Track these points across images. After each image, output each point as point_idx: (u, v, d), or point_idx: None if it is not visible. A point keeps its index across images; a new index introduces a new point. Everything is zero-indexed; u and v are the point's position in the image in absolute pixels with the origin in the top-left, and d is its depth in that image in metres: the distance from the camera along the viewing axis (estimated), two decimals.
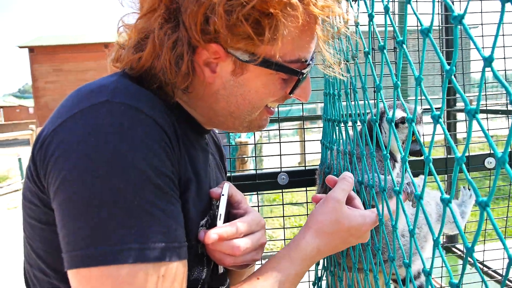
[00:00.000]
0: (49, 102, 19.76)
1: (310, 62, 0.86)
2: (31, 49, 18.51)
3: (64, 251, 0.68)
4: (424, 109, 1.90)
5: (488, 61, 0.60)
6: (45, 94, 19.80)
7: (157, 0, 0.77)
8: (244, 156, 4.02)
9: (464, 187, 1.59)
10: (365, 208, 1.01)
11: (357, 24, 0.96)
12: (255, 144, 2.31)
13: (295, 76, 0.85)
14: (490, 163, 1.67)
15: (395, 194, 0.84)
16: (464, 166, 0.65)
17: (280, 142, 1.84)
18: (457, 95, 3.32)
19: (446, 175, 1.77)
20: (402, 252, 0.84)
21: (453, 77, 0.66)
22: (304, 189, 1.69)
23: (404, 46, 0.74)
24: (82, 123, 0.70)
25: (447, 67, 0.68)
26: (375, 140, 0.97)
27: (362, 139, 1.00)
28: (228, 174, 1.62)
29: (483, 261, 2.59)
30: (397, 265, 0.91)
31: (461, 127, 3.27)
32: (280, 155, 1.79)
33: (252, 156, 3.83)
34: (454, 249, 3.52)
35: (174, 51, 0.77)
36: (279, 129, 1.89)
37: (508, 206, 1.96)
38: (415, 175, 1.61)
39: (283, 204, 1.72)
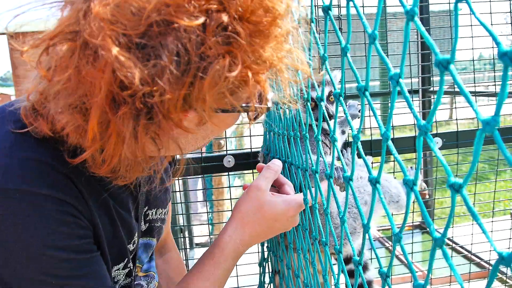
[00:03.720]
0: None
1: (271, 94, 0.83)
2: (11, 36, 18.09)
3: None
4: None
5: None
6: (27, 82, 19.54)
7: (115, 92, 0.63)
8: (220, 138, 4.01)
9: (411, 167, 1.59)
10: (301, 191, 1.01)
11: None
12: None
13: (265, 111, 0.83)
14: (437, 143, 1.68)
15: (326, 177, 0.83)
16: (391, 143, 0.63)
17: (250, 123, 1.84)
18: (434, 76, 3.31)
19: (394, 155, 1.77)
20: (333, 235, 0.84)
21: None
22: (251, 171, 1.69)
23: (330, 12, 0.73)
24: None
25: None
26: (307, 122, 0.96)
27: (296, 121, 1.00)
28: None
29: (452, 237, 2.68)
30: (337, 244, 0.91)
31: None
32: (250, 136, 1.81)
33: (222, 138, 3.83)
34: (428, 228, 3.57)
35: (148, 136, 0.70)
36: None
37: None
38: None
39: (229, 187, 1.73)
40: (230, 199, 1.73)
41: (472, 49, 2.18)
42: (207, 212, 2.12)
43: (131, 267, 0.97)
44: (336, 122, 0.76)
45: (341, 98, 0.71)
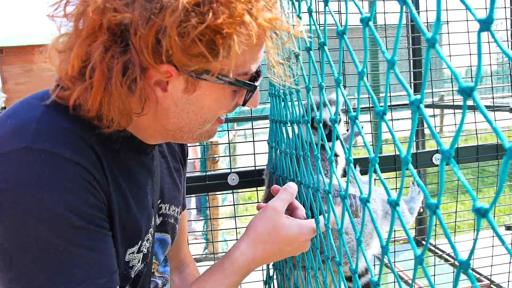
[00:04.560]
0: None
1: (260, 72, 0.87)
2: (0, 50, 17.99)
3: None
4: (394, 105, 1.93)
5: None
6: (16, 96, 19.34)
7: (97, 25, 0.73)
8: (215, 156, 4.02)
9: (413, 183, 1.61)
10: (311, 210, 1.02)
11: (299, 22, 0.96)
12: (229, 143, 2.28)
13: (249, 88, 0.85)
14: (438, 159, 1.70)
15: (341, 199, 0.83)
16: (412, 167, 0.62)
17: (253, 141, 1.87)
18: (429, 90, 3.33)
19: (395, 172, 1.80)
20: (348, 257, 0.85)
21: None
22: (255, 188, 1.70)
23: (345, 36, 0.74)
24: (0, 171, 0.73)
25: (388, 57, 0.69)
26: (319, 141, 0.96)
27: (307, 140, 1.00)
28: None
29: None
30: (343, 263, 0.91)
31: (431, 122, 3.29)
32: (254, 154, 1.81)
33: (222, 156, 3.82)
34: (423, 242, 3.59)
35: (126, 77, 0.75)
36: (252, 128, 1.94)
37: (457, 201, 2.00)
38: (364, 172, 1.63)
39: (234, 205, 1.73)
40: (235, 216, 1.74)
41: (470, 66, 2.23)
42: (209, 230, 2.12)
43: (144, 251, 0.96)
44: (351, 144, 0.77)
45: (357, 121, 0.72)
